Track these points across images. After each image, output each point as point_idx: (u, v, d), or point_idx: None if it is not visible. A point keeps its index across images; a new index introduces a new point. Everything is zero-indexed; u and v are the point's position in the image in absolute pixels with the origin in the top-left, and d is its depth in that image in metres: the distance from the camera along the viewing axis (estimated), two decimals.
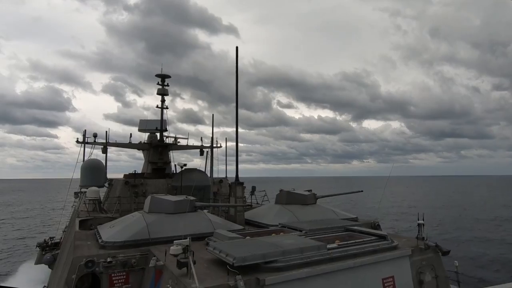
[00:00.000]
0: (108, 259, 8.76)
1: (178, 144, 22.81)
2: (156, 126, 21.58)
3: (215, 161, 20.42)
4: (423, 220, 10.23)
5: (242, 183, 14.40)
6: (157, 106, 22.21)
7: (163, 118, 21.96)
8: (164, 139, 21.93)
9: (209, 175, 19.83)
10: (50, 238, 23.30)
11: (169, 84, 22.43)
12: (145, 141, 22.22)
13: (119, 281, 8.84)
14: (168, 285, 6.96)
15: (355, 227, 11.30)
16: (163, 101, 22.19)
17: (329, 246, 8.58)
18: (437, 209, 59.70)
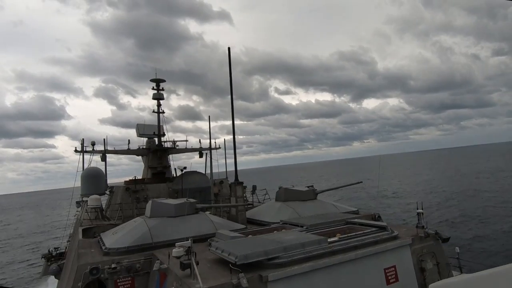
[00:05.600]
0: (113, 265, 8.88)
1: (177, 148, 22.93)
2: (153, 131, 21.64)
3: (214, 162, 20.51)
4: (422, 209, 10.36)
5: (242, 183, 14.52)
6: (153, 111, 22.30)
7: (160, 123, 22.07)
8: (163, 143, 22.03)
9: (209, 177, 19.92)
10: (55, 248, 23.43)
11: (164, 89, 22.51)
12: (144, 146, 22.29)
13: (125, 286, 8.96)
14: (173, 287, 7.08)
15: (356, 220, 11.42)
16: (159, 105, 22.28)
17: (330, 239, 8.71)
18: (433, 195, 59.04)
